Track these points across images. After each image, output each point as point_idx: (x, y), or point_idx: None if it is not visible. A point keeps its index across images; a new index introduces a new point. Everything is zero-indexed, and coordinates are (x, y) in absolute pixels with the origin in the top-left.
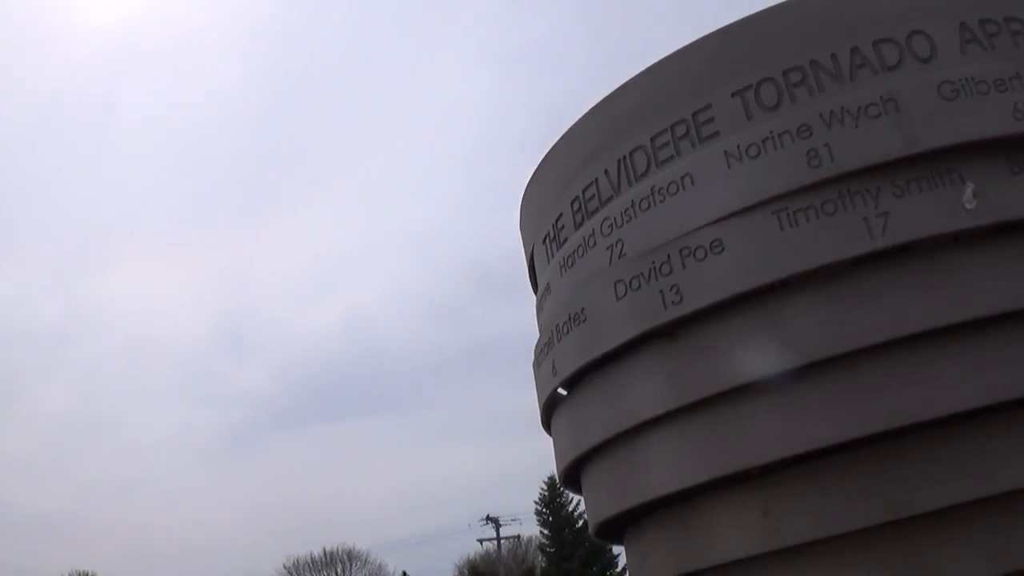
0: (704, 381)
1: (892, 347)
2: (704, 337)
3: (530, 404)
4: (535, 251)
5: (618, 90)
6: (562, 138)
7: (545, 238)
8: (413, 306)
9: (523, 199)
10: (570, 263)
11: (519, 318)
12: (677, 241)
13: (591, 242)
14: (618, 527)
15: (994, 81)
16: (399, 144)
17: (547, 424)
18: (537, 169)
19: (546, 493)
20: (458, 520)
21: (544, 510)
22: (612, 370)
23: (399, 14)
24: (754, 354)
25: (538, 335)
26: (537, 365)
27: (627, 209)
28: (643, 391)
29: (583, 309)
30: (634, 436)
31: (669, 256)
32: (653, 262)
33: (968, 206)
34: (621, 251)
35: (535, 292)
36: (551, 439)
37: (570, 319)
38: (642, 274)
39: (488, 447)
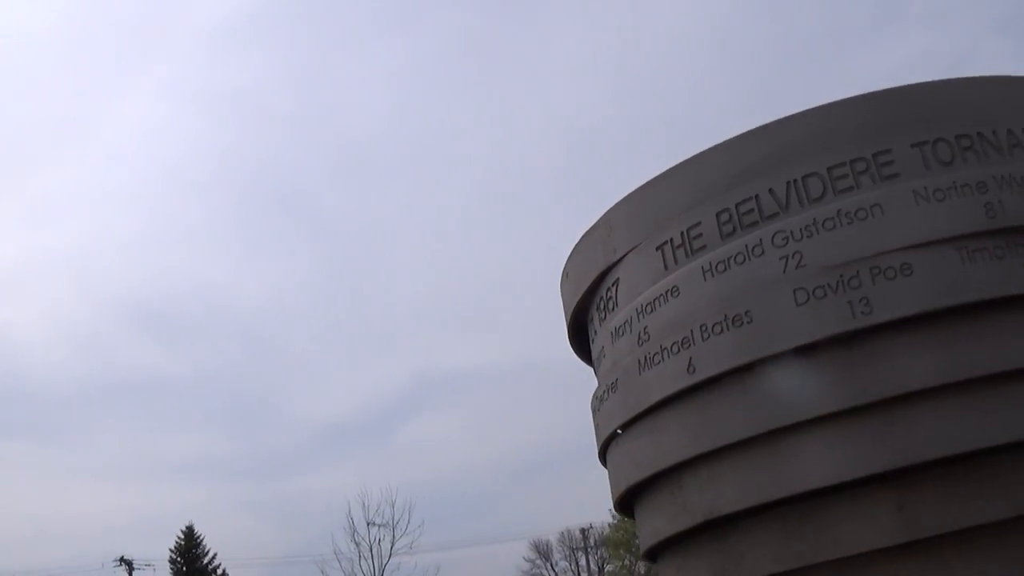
0: (880, 385)
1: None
2: (883, 347)
3: (172, 448)
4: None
5: (770, 124)
6: (666, 174)
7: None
8: (62, 334)
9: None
10: (720, 268)
11: (170, 361)
12: (868, 260)
13: (756, 252)
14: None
15: None
16: (77, 168)
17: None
18: (622, 204)
19: (182, 542)
20: (91, 558)
21: (179, 559)
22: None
23: (110, 33)
24: (928, 365)
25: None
26: (601, 402)
27: (808, 226)
28: (812, 390)
29: (747, 312)
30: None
31: (859, 272)
32: (841, 275)
33: None
34: (800, 262)
35: (576, 346)
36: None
37: (726, 319)
38: (828, 284)
39: (125, 487)
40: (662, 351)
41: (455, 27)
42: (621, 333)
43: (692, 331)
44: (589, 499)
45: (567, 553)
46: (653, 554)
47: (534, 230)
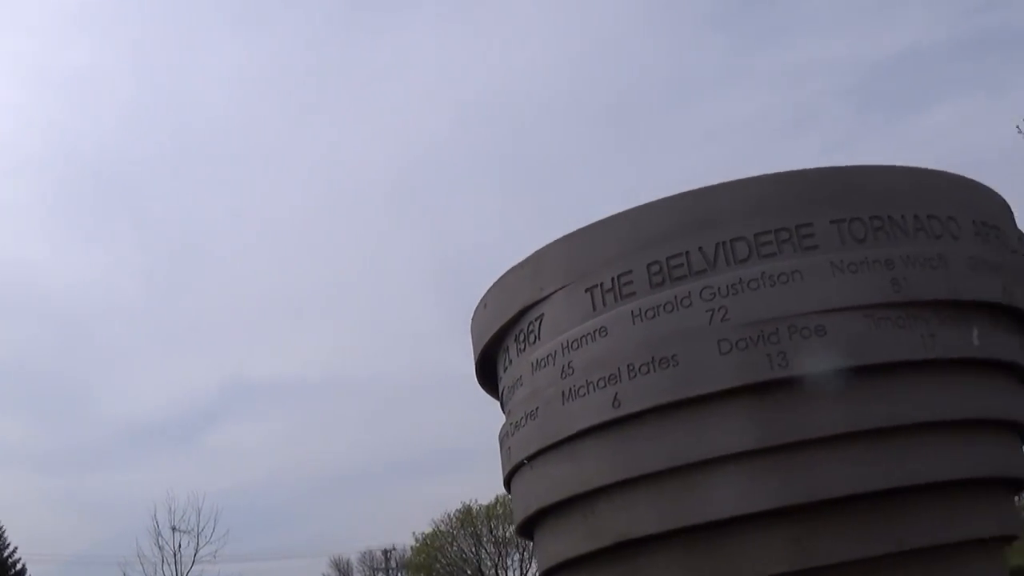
0: (788, 431)
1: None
2: (794, 397)
3: None
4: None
5: (705, 189)
6: (589, 227)
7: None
8: None
9: (495, 293)
10: (649, 315)
11: None
12: (787, 319)
13: (685, 303)
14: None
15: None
16: None
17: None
18: (547, 251)
19: None
20: None
21: None
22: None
23: None
24: (832, 415)
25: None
26: (515, 428)
27: (734, 284)
28: (728, 431)
29: (674, 356)
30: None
31: (778, 329)
32: (762, 331)
33: (976, 343)
34: (724, 316)
35: (480, 375)
36: None
37: (654, 361)
38: (750, 338)
39: None
40: (587, 385)
41: (307, 33)
42: (543, 365)
43: (619, 369)
44: (393, 521)
45: (367, 573)
46: (553, 573)
47: (363, 244)
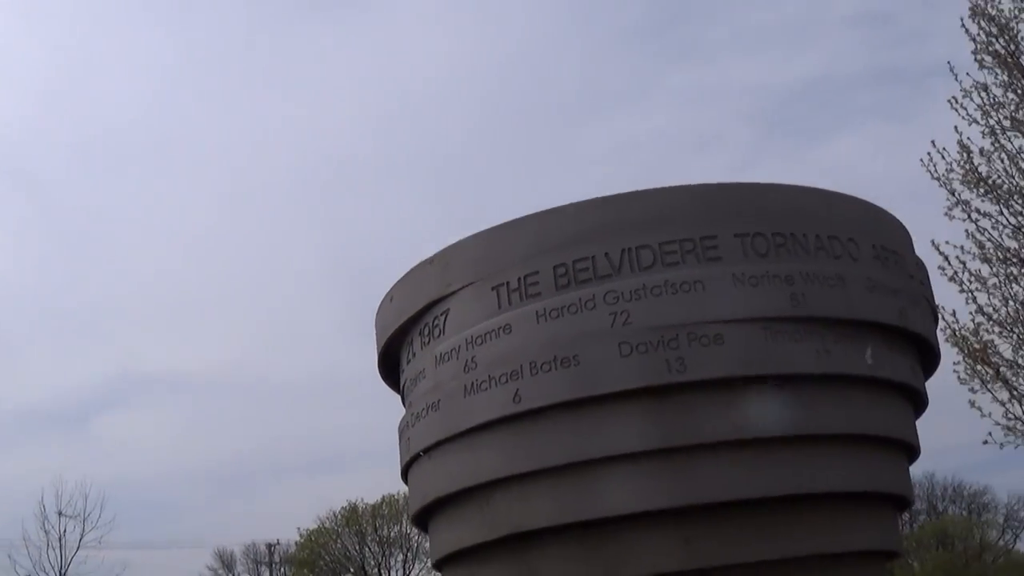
0: (683, 434)
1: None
2: (690, 402)
3: None
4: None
5: (613, 196)
6: (501, 227)
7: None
8: None
9: (402, 288)
10: (553, 315)
11: None
12: (687, 326)
13: (588, 305)
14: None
15: (891, 286)
16: None
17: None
18: (453, 249)
19: None
20: None
21: None
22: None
23: None
24: (725, 422)
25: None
26: (416, 419)
27: (638, 289)
28: (624, 430)
29: (575, 356)
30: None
31: (678, 335)
32: (663, 336)
33: (869, 361)
34: (627, 320)
35: (382, 368)
36: None
37: (555, 360)
38: (650, 342)
39: None
40: (489, 380)
41: (228, 29)
42: (446, 359)
43: (522, 366)
44: (278, 516)
45: (251, 566)
46: (445, 563)
47: (265, 241)
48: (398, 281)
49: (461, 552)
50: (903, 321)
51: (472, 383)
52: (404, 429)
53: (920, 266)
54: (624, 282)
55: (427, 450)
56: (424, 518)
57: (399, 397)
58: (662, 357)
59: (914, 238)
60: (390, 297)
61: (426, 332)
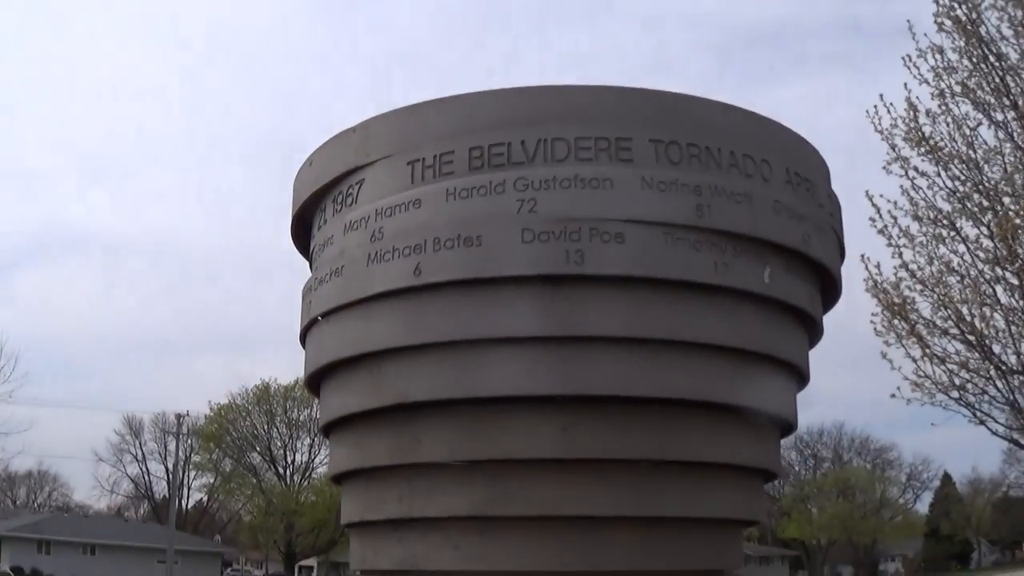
0: (574, 324)
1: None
2: (584, 294)
3: None
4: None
5: (536, 87)
6: (421, 104)
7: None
8: None
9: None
10: (463, 195)
11: None
12: (590, 221)
13: (498, 189)
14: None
15: (798, 211)
16: None
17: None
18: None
19: None
20: None
21: None
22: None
23: None
24: (616, 318)
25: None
26: (319, 283)
27: (548, 180)
28: (517, 314)
29: (479, 236)
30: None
31: (580, 229)
32: (565, 227)
33: (766, 280)
34: (533, 207)
35: (295, 233)
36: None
37: (459, 238)
38: (552, 232)
39: None
40: (393, 251)
41: None
42: (355, 227)
43: (426, 241)
44: (190, 388)
45: (158, 435)
46: (333, 427)
47: (206, 114)
48: (319, 147)
49: (349, 417)
50: (805, 247)
51: (377, 253)
52: (307, 292)
53: (833, 199)
54: (535, 171)
55: (326, 314)
56: (317, 382)
57: (308, 264)
58: (562, 248)
59: (850, 189)
60: (309, 162)
61: (339, 200)
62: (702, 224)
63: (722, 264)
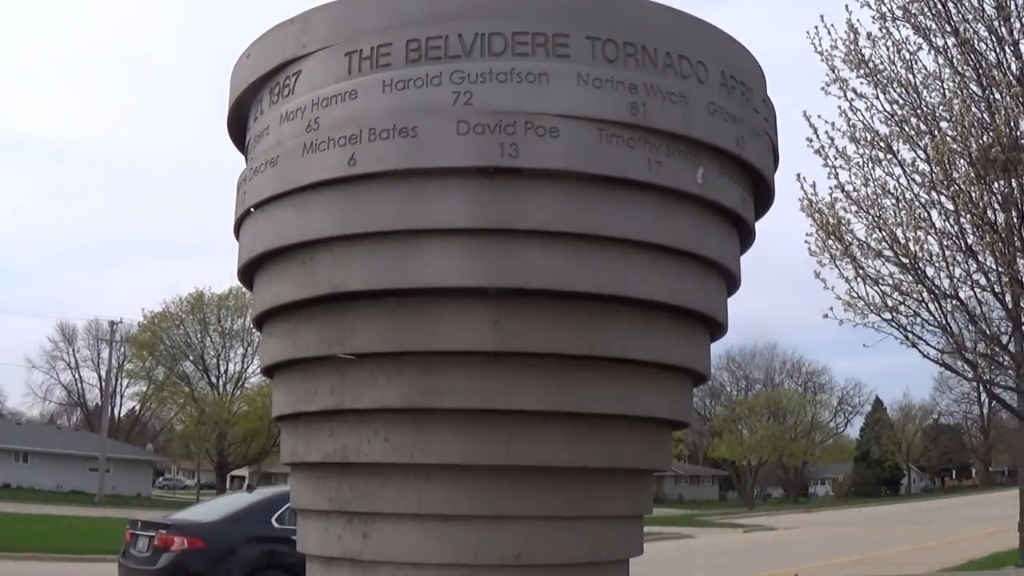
0: (507, 216)
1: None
2: (517, 187)
3: None
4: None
5: None
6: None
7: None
8: None
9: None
10: (399, 87)
11: None
12: (525, 115)
13: (435, 82)
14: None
15: (733, 113)
16: None
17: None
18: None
19: None
20: None
21: None
22: (411, 181)
23: None
24: (548, 212)
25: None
26: (254, 174)
27: (484, 73)
28: (451, 206)
29: (414, 127)
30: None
31: (515, 122)
32: (500, 121)
33: (699, 181)
34: (468, 100)
35: (231, 127)
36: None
37: (394, 129)
38: (487, 125)
39: None
40: (328, 141)
41: None
42: (291, 118)
43: (361, 131)
44: (124, 295)
45: (91, 342)
46: (266, 318)
47: (149, 18)
48: (257, 39)
49: (282, 308)
50: (739, 149)
51: (312, 143)
52: (242, 183)
53: (768, 105)
54: (472, 64)
55: (259, 205)
56: (250, 274)
57: (244, 157)
58: (497, 140)
59: (788, 109)
60: (247, 54)
61: (276, 91)
62: (637, 122)
63: (655, 163)
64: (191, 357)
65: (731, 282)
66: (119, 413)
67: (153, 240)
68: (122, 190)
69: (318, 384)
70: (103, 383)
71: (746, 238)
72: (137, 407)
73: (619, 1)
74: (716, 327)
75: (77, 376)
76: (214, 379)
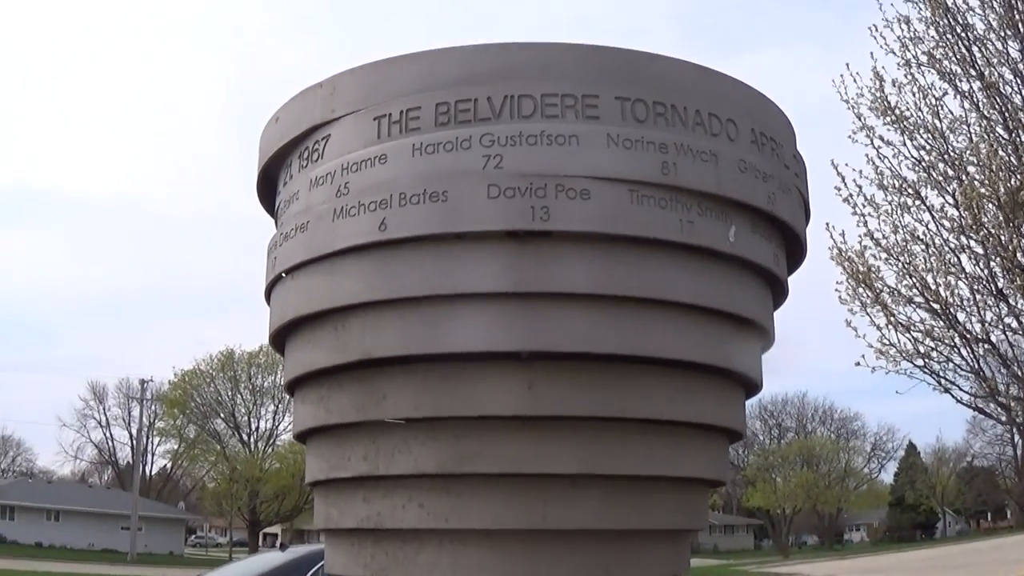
0: (539, 280)
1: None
2: (550, 251)
3: None
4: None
5: (504, 44)
6: (383, 62)
7: (304, 151)
8: None
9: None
10: (429, 150)
11: None
12: (556, 178)
13: (464, 145)
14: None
15: (764, 171)
16: None
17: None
18: (343, 76)
19: None
20: None
21: None
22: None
23: None
24: (581, 274)
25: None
26: (284, 239)
27: (514, 136)
28: (483, 270)
29: (444, 192)
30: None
31: (546, 185)
32: (531, 184)
33: (731, 239)
34: (499, 163)
35: (260, 190)
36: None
37: (425, 193)
38: (518, 188)
39: None
40: (359, 206)
41: None
42: (321, 183)
43: (391, 196)
44: (154, 353)
45: (122, 400)
46: (297, 384)
47: (180, 79)
48: (285, 103)
49: (314, 374)
50: (770, 206)
51: (342, 208)
52: (272, 248)
53: (799, 160)
54: (502, 127)
55: (290, 270)
56: (282, 340)
57: (273, 221)
58: (528, 204)
59: (816, 158)
60: (276, 118)
61: (305, 156)
62: (668, 182)
63: (687, 222)
64: (222, 415)
65: (765, 339)
66: (150, 471)
67: (183, 297)
68: (151, 246)
69: (351, 450)
70: (134, 441)
71: (779, 294)
72: (168, 465)
73: (648, 60)
74: (751, 385)
75: (108, 434)
76: (245, 436)
